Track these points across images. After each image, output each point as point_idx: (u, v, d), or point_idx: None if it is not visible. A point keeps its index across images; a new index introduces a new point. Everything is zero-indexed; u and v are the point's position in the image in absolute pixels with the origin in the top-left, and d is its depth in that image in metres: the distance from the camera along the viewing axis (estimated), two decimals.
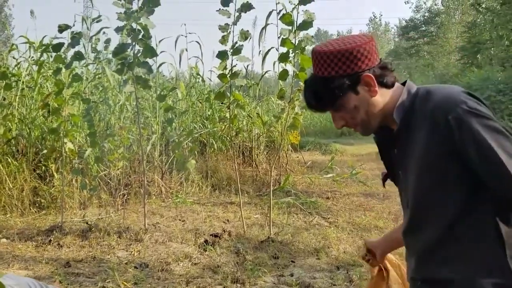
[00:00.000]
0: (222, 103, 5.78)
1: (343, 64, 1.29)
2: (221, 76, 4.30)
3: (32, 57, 6.51)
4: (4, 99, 5.35)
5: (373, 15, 55.90)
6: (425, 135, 1.25)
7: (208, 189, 6.99)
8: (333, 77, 1.30)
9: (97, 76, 6.34)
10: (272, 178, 5.28)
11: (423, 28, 33.69)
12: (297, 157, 9.23)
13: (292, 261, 4.12)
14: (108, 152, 5.31)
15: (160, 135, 6.81)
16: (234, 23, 4.27)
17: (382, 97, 1.34)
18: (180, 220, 5.48)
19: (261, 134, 7.93)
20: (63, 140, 4.77)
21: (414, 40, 33.85)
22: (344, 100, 1.33)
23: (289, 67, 4.34)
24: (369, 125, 1.39)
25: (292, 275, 3.79)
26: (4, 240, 4.52)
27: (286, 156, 8.35)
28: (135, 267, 3.94)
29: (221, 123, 6.88)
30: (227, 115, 4.63)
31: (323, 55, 1.31)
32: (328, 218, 5.56)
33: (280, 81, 5.40)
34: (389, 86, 1.35)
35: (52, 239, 4.48)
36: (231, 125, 4.75)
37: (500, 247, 1.23)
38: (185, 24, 7.01)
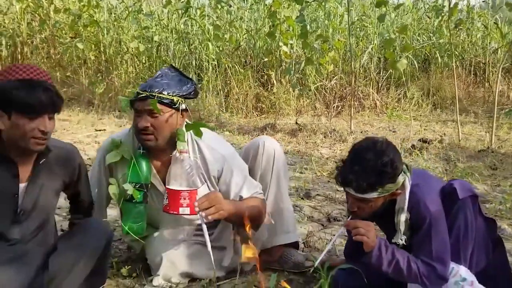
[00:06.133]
0: None
1: None
2: None
3: None
4: (230, 6, 5.86)
5: None
6: None
7: (429, 107, 6.43)
8: None
9: None
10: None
11: None
12: None
13: None
14: (320, 56, 5.34)
15: (377, 47, 6.50)
16: None
17: None
18: (390, 130, 5.23)
19: (498, 48, 6.73)
20: (278, 43, 4.99)
21: None
22: None
23: None
24: None
25: None
26: (227, 133, 5.11)
27: None
28: (335, 162, 3.95)
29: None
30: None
31: None
32: None
33: None
34: None
35: (265, 134, 4.85)
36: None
37: None
38: None
